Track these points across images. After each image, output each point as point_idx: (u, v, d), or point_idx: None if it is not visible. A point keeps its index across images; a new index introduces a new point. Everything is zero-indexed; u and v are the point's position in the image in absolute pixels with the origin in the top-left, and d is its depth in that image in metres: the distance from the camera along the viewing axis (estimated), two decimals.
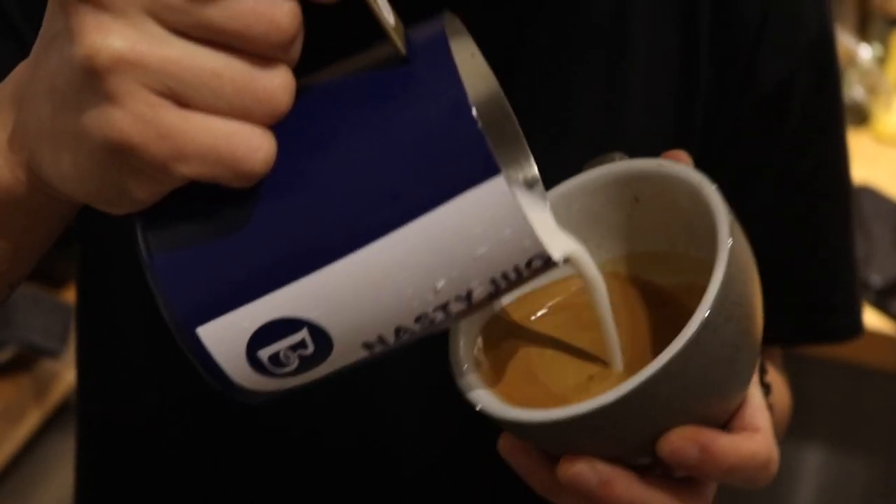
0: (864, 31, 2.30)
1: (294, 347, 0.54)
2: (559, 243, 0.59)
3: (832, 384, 2.06)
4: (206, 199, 0.52)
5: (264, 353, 0.53)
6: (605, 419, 0.57)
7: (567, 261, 0.60)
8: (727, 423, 0.62)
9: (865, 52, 2.22)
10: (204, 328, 0.53)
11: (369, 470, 0.90)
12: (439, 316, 0.55)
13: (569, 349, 0.66)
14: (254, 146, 0.49)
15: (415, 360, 0.83)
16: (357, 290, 0.52)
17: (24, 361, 2.25)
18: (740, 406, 0.63)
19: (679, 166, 0.64)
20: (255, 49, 0.48)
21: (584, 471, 0.59)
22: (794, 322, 0.96)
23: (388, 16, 0.52)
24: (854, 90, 2.16)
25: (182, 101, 0.48)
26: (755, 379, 0.63)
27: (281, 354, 0.54)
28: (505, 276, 0.54)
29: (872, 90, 2.17)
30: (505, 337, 0.67)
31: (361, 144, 0.51)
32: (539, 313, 0.68)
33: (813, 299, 0.97)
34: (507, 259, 0.53)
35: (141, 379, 0.91)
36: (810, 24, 0.87)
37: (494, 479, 0.89)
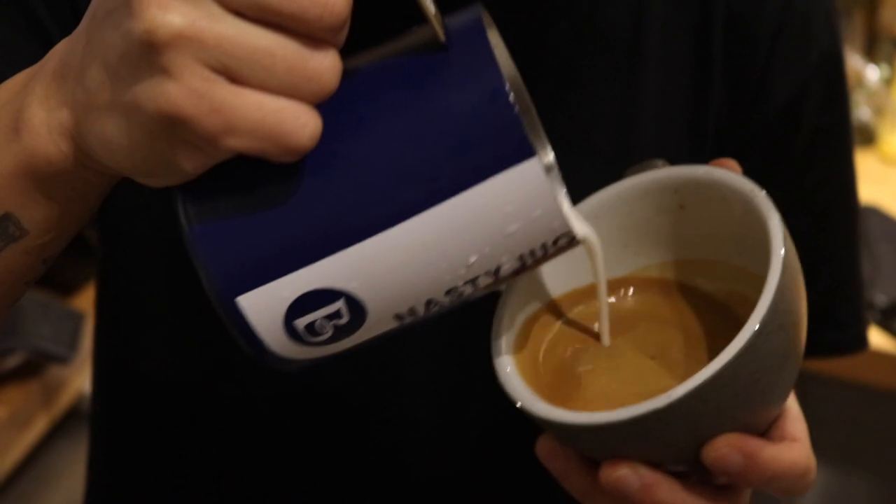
0: (871, 52, 2.31)
1: (330, 317, 0.56)
2: (579, 225, 0.60)
3: (836, 403, 2.06)
4: (247, 173, 0.54)
5: (301, 322, 0.55)
6: (654, 423, 0.57)
7: (582, 240, 0.61)
8: (766, 432, 0.63)
9: (873, 73, 2.23)
10: (244, 297, 0.55)
11: (381, 472, 0.90)
12: (468, 289, 0.57)
13: (616, 355, 0.67)
14: (301, 123, 0.51)
15: (429, 361, 0.84)
16: (394, 264, 0.55)
17: (33, 368, 2.26)
18: (779, 416, 0.64)
19: (729, 174, 0.65)
20: (308, 31, 0.50)
21: (628, 475, 0.60)
22: None
23: (429, 3, 0.54)
24: (861, 111, 2.17)
25: (235, 78, 0.50)
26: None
27: (317, 324, 0.56)
28: (532, 253, 0.57)
29: (879, 111, 2.18)
30: (550, 338, 0.68)
31: (402, 125, 0.54)
32: (584, 315, 0.69)
33: (819, 313, 0.97)
34: (535, 237, 0.56)
35: (158, 371, 0.91)
36: (821, 40, 0.88)
37: (512, 481, 0.90)
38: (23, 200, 0.60)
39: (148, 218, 0.84)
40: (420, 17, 0.55)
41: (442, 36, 0.54)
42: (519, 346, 0.66)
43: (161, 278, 0.88)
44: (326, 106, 0.52)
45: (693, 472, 0.62)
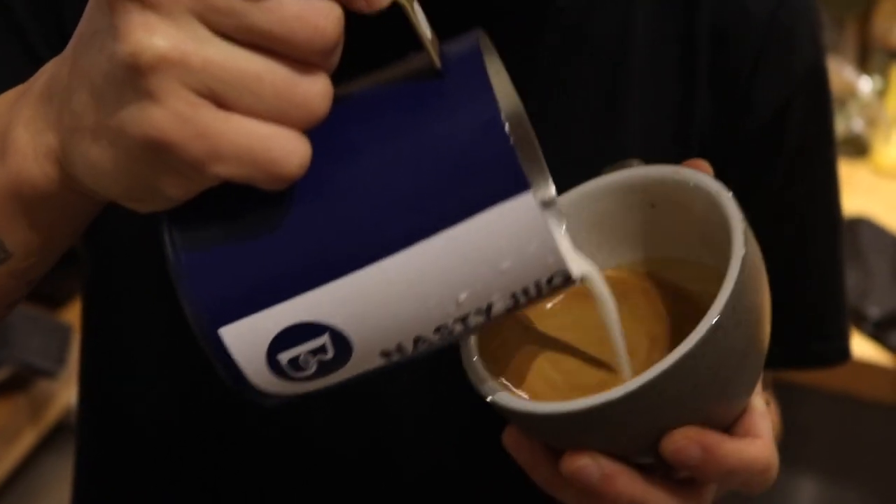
0: (864, 64, 2.31)
1: (314, 352, 0.54)
2: (577, 262, 0.59)
3: (828, 415, 2.06)
4: (235, 200, 0.52)
5: (284, 357, 0.54)
6: (612, 414, 0.57)
7: (581, 280, 0.60)
8: (729, 428, 0.63)
9: (865, 85, 2.23)
10: (226, 329, 0.53)
11: (371, 472, 0.90)
12: (458, 328, 0.55)
13: (581, 345, 0.67)
14: (290, 150, 0.49)
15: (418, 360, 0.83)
16: (382, 298, 0.53)
17: (21, 381, 2.25)
18: (743, 412, 0.63)
19: (696, 174, 0.65)
20: (298, 55, 0.49)
21: (588, 465, 0.59)
22: (783, 346, 0.96)
23: (425, 28, 0.53)
24: (854, 122, 2.17)
25: (222, 103, 0.49)
26: (758, 388, 0.64)
27: (300, 358, 0.54)
28: (525, 291, 0.55)
29: (872, 122, 2.18)
30: (517, 329, 0.67)
31: (393, 154, 0.52)
32: (552, 307, 0.69)
33: (802, 324, 0.98)
34: (529, 274, 0.54)
35: (144, 385, 0.91)
36: (806, 54, 0.89)
37: (497, 480, 0.89)
38: (7, 223, 0.58)
39: (136, 238, 0.84)
40: (416, 42, 0.53)
41: (437, 62, 0.53)
42: (487, 335, 0.65)
43: (149, 296, 0.87)
44: (316, 132, 0.50)
45: (660, 466, 0.61)
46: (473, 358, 0.63)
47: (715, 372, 0.58)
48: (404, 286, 0.53)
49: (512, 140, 0.52)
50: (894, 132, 2.20)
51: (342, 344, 0.54)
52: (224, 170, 0.49)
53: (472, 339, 0.64)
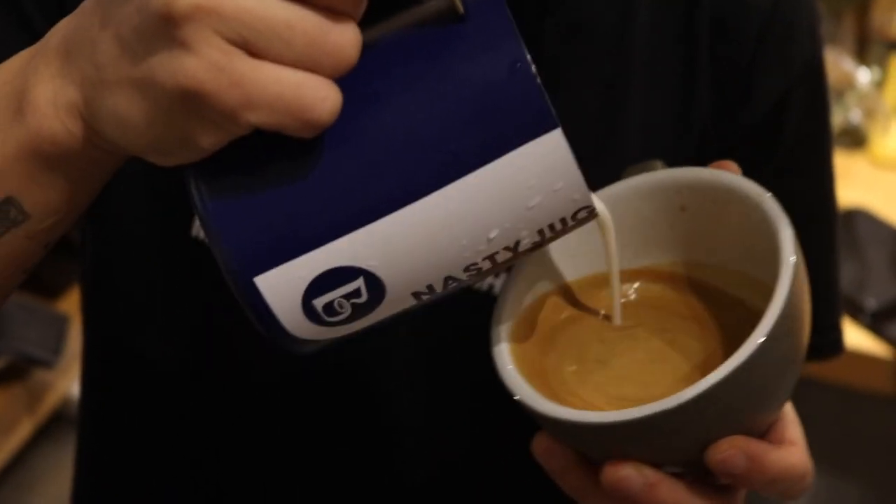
0: (862, 55, 2.30)
1: (348, 296, 0.55)
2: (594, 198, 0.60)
3: (826, 407, 2.06)
4: (263, 150, 0.52)
5: (319, 302, 0.54)
6: (662, 424, 0.57)
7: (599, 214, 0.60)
8: (764, 435, 0.63)
9: (864, 76, 2.22)
10: (262, 277, 0.53)
11: (371, 471, 0.90)
12: (486, 265, 0.56)
13: (617, 353, 0.66)
14: (322, 97, 0.49)
15: (412, 353, 0.83)
16: (414, 240, 0.54)
17: (18, 371, 2.25)
18: (777, 419, 0.64)
19: (735, 177, 0.64)
20: (329, 3, 0.49)
21: (632, 475, 0.59)
22: None
23: None
24: (852, 113, 2.16)
25: (254, 51, 0.49)
26: None
27: (335, 303, 0.55)
28: (552, 227, 0.56)
29: (870, 114, 2.17)
30: (550, 333, 0.67)
31: (422, 99, 0.53)
32: (584, 312, 0.68)
33: None
34: (556, 211, 0.55)
35: (149, 371, 0.91)
36: (805, 48, 0.89)
37: (498, 476, 0.89)
38: (26, 183, 0.58)
39: (142, 207, 0.84)
40: None
41: (460, 6, 0.53)
42: (519, 338, 0.65)
43: (154, 270, 0.87)
44: (344, 79, 0.51)
45: (689, 474, 0.61)
46: (507, 364, 0.63)
47: (765, 382, 0.58)
48: (436, 228, 0.53)
49: (539, 80, 0.52)
50: (892, 123, 2.20)
51: (376, 287, 0.55)
52: (257, 118, 0.49)
53: (506, 347, 0.64)
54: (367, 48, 0.51)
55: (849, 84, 2.19)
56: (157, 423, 0.94)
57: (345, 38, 0.50)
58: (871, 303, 1.75)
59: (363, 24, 0.51)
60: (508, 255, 0.56)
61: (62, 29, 0.57)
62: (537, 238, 0.56)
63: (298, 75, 0.49)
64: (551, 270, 0.68)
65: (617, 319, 0.66)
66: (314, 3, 0.49)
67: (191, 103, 0.49)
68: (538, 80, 0.52)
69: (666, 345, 0.66)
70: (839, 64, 2.18)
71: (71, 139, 0.56)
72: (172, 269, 0.86)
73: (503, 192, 0.53)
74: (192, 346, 0.88)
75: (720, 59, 0.86)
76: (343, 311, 0.55)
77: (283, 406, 0.88)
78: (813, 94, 0.90)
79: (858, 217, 1.94)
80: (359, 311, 0.56)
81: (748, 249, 0.64)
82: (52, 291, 2.33)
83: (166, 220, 0.84)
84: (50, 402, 2.33)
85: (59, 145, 0.56)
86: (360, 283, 0.54)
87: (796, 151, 0.91)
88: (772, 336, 0.57)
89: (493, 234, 0.55)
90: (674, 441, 0.59)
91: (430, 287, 0.56)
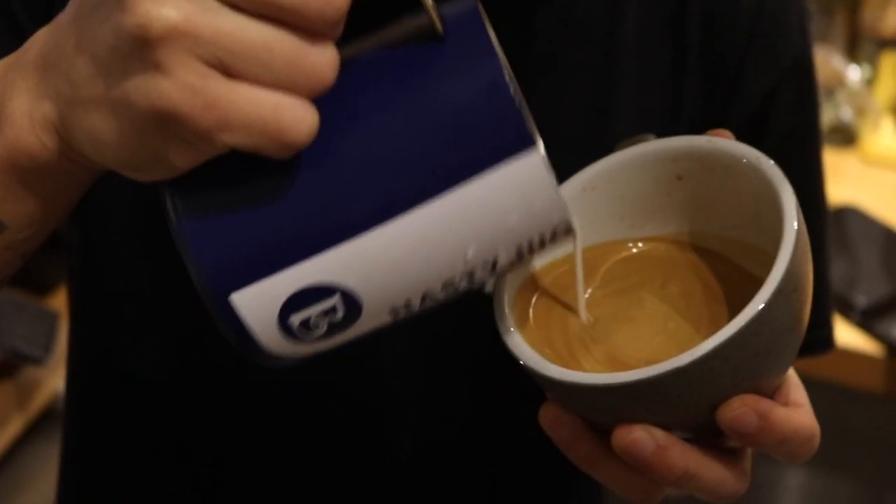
0: (853, 52, 2.31)
1: (325, 313, 0.55)
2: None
3: (816, 404, 2.06)
4: (239, 167, 0.52)
5: (296, 319, 0.54)
6: (674, 383, 0.57)
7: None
8: (771, 398, 0.63)
9: (854, 73, 2.22)
10: (238, 294, 0.53)
11: (370, 448, 0.90)
12: (464, 282, 0.56)
13: (620, 317, 0.66)
14: (299, 118, 0.49)
15: (412, 334, 0.83)
16: (392, 258, 0.54)
17: (8, 368, 2.25)
18: (782, 383, 0.64)
19: (732, 143, 0.64)
20: (308, 25, 0.49)
21: (643, 437, 0.59)
22: None
23: None
24: (842, 111, 2.16)
25: (231, 73, 0.49)
26: None
27: (311, 320, 0.55)
28: (530, 244, 0.56)
29: (860, 111, 2.17)
30: (554, 300, 0.67)
31: (399, 118, 0.53)
32: (587, 280, 0.68)
33: None
34: (534, 228, 0.55)
35: (135, 369, 0.91)
36: (794, 43, 0.89)
37: (497, 454, 0.90)
38: (2, 194, 0.58)
39: (128, 212, 0.84)
40: (415, 5, 0.54)
41: (439, 26, 0.53)
42: (523, 305, 0.65)
43: (142, 273, 0.87)
44: (322, 100, 0.51)
45: (697, 439, 0.61)
46: (512, 332, 0.63)
47: (774, 339, 0.58)
48: (414, 245, 0.53)
49: (517, 100, 0.53)
50: (882, 121, 2.20)
51: (352, 304, 0.55)
52: (233, 139, 0.49)
53: (509, 314, 0.64)
54: (344, 67, 0.51)
55: (839, 82, 2.20)
56: (143, 419, 0.93)
57: (323, 59, 0.50)
58: (861, 300, 1.75)
59: (341, 44, 0.51)
60: (486, 272, 0.57)
61: (39, 41, 0.56)
62: (514, 256, 0.57)
63: (275, 97, 0.49)
64: None
65: (582, 315, 0.66)
66: (292, 25, 0.49)
67: (165, 124, 0.49)
68: (517, 100, 0.53)
69: (671, 308, 0.66)
70: (830, 62, 2.18)
71: (46, 153, 0.56)
72: (158, 271, 0.86)
73: (481, 210, 0.53)
74: (179, 347, 0.88)
75: (710, 54, 0.86)
76: (319, 327, 0.55)
77: (273, 392, 0.88)
78: (802, 90, 0.91)
79: (849, 215, 1.94)
80: (335, 328, 0.56)
81: (747, 215, 0.64)
82: (43, 288, 2.33)
83: (151, 222, 0.84)
84: (40, 399, 2.33)
85: (34, 159, 0.56)
86: (336, 300, 0.54)
87: (785, 147, 0.91)
88: (779, 292, 0.57)
89: (470, 253, 0.55)
90: (684, 401, 0.59)
91: (407, 303, 0.56)
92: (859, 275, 1.81)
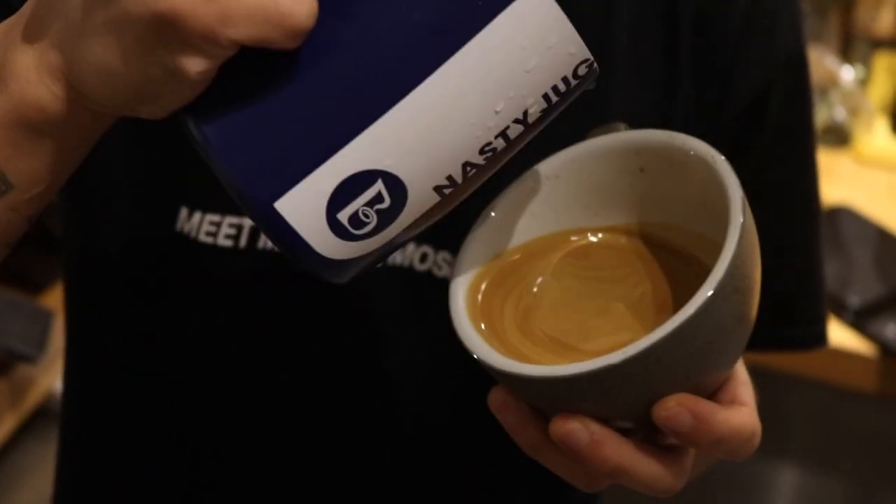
0: (846, 53, 2.31)
1: (371, 202, 0.54)
2: None
3: (809, 404, 2.06)
4: (253, 75, 0.52)
5: (344, 215, 0.54)
6: (608, 379, 0.57)
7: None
8: (714, 394, 0.63)
9: (848, 74, 2.22)
10: (282, 202, 0.53)
11: (364, 430, 0.90)
12: (500, 143, 0.56)
13: (571, 306, 0.67)
14: (297, 0, 0.49)
15: (412, 315, 0.84)
16: (423, 129, 0.53)
17: (2, 367, 2.25)
18: (728, 379, 0.64)
19: (690, 139, 0.65)
20: None
21: (577, 429, 0.60)
22: (759, 329, 0.97)
23: None
24: (836, 111, 2.17)
25: None
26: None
27: (360, 212, 0.54)
28: (556, 89, 0.56)
29: (854, 111, 2.18)
30: (506, 287, 0.67)
31: None
32: (541, 267, 0.69)
33: (780, 309, 0.98)
34: (556, 70, 0.55)
35: (133, 367, 0.91)
36: (787, 40, 0.89)
37: (489, 437, 0.89)
38: (10, 153, 0.58)
39: (124, 203, 0.84)
40: None
41: None
42: (474, 297, 0.65)
43: (138, 267, 0.87)
44: None
45: (639, 430, 0.62)
46: (463, 319, 0.63)
47: (711, 340, 0.58)
48: (442, 109, 0.53)
49: None
50: (876, 121, 2.20)
51: (397, 187, 0.54)
52: (237, 33, 0.49)
53: (462, 301, 0.64)
54: None
55: (833, 82, 2.20)
56: (141, 412, 0.93)
57: None
58: (854, 300, 1.75)
59: None
60: (520, 128, 0.56)
61: None
62: (544, 104, 0.56)
63: None
64: (506, 231, 0.69)
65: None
66: None
67: (168, 30, 0.49)
68: None
69: (622, 298, 0.66)
70: (823, 62, 2.19)
71: (57, 103, 0.55)
72: (157, 263, 0.86)
73: (498, 59, 0.53)
74: (177, 340, 0.88)
75: (702, 51, 0.86)
76: (369, 220, 0.55)
77: (277, 390, 0.88)
78: (794, 87, 0.91)
79: (843, 215, 1.94)
80: (385, 217, 0.55)
81: (703, 210, 0.64)
82: (37, 286, 2.33)
83: (151, 213, 0.84)
84: (34, 398, 2.33)
85: (44, 111, 0.56)
86: (379, 185, 0.54)
87: (777, 143, 0.91)
88: (717, 294, 0.57)
89: (499, 107, 0.54)
90: (619, 396, 0.59)
91: (450, 178, 0.56)
92: (852, 275, 1.81)
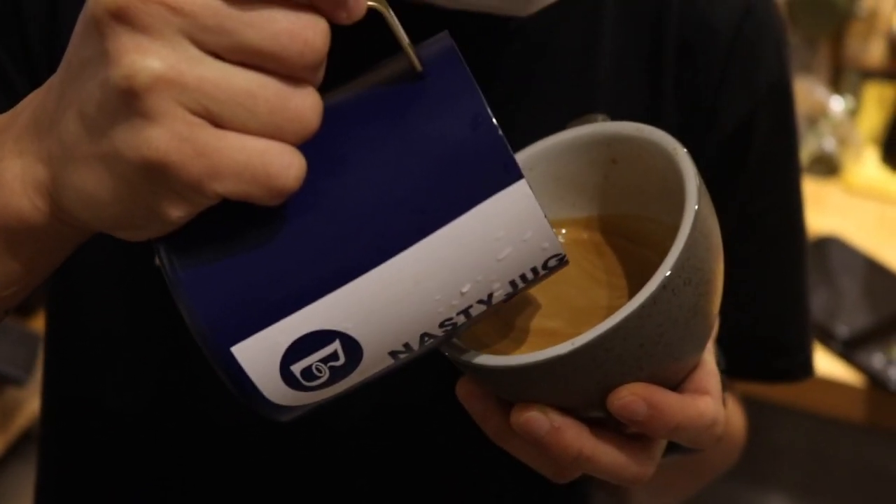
0: (836, 83, 2.32)
1: (326, 360, 0.55)
2: None
3: (798, 434, 2.07)
4: (230, 219, 0.52)
5: (297, 367, 0.54)
6: (558, 369, 0.58)
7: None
8: (680, 384, 0.64)
9: (837, 104, 2.23)
10: (239, 347, 0.53)
11: (354, 419, 0.89)
12: (461, 319, 0.56)
13: (534, 299, 0.67)
14: (286, 164, 0.49)
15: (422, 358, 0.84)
16: (389, 299, 0.54)
17: None
18: (694, 369, 0.64)
19: (657, 131, 0.65)
20: (289, 70, 0.49)
21: (536, 417, 0.60)
22: (745, 359, 0.97)
23: (402, 32, 0.53)
24: (825, 141, 2.17)
25: (217, 121, 0.49)
26: (710, 346, 0.65)
27: (313, 367, 0.55)
28: (523, 277, 0.56)
29: (843, 142, 2.18)
30: None
31: (386, 159, 0.53)
32: None
33: (765, 339, 0.98)
34: (527, 260, 0.55)
35: (111, 398, 0.91)
36: (771, 69, 0.89)
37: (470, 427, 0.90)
38: None
39: (103, 249, 0.84)
40: (393, 47, 0.54)
41: (418, 65, 0.54)
42: None
43: (117, 307, 0.87)
44: (307, 144, 0.51)
45: (611, 420, 0.62)
46: None
47: (661, 332, 0.59)
48: (410, 285, 0.53)
49: (500, 132, 0.53)
50: (865, 152, 2.21)
51: (353, 348, 0.55)
52: (223, 187, 0.49)
53: None
54: (328, 112, 0.52)
55: (823, 112, 2.21)
56: (120, 454, 0.93)
57: (306, 105, 0.50)
58: (843, 330, 1.76)
59: (323, 89, 0.52)
60: (482, 307, 0.57)
61: (31, 104, 0.56)
62: (510, 289, 0.57)
63: (262, 143, 0.49)
64: None
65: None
66: (274, 71, 0.49)
67: (156, 175, 0.49)
68: (500, 131, 0.53)
69: (588, 288, 0.67)
70: (813, 92, 2.20)
71: (38, 215, 0.55)
72: (135, 299, 0.86)
73: (473, 245, 0.54)
74: (155, 379, 0.88)
75: (686, 83, 0.86)
76: (321, 374, 0.55)
77: (250, 423, 0.88)
78: (779, 115, 0.91)
79: (831, 245, 1.94)
80: (337, 374, 0.56)
81: (667, 201, 0.65)
82: (25, 310, 2.32)
83: (129, 248, 0.84)
84: (21, 421, 2.32)
85: (25, 221, 0.56)
86: (336, 345, 0.54)
87: (762, 171, 0.91)
88: (666, 286, 0.57)
89: (465, 289, 0.55)
90: (574, 385, 0.59)
91: (406, 345, 0.56)
92: (841, 305, 1.81)
